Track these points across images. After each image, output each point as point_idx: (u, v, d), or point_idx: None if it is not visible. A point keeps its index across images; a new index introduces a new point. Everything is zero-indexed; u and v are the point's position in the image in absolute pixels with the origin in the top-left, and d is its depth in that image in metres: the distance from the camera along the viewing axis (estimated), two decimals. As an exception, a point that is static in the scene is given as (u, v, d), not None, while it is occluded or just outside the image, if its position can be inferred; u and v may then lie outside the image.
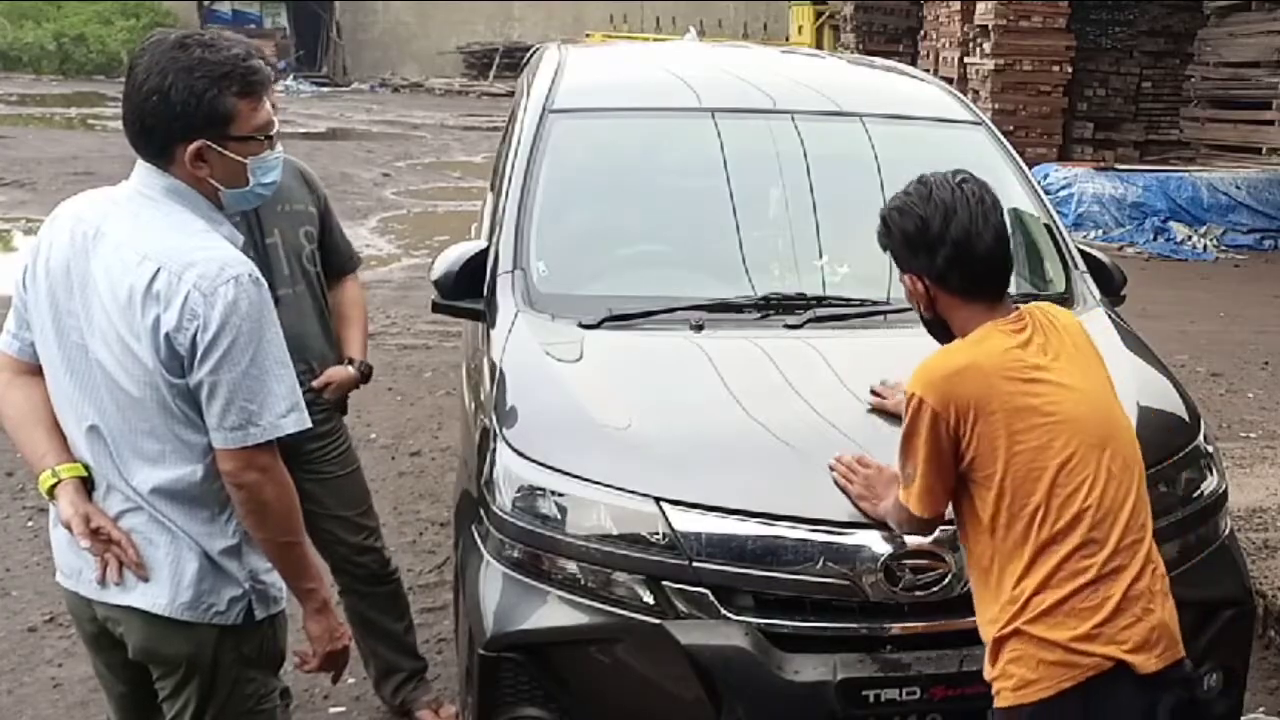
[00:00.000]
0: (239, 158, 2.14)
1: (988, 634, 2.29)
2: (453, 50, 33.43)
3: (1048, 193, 6.05)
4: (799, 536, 2.59)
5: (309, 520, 3.26)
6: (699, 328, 3.17)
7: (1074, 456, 2.22)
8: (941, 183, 2.36)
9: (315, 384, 3.11)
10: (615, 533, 2.64)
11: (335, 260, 3.25)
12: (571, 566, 2.66)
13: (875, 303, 3.36)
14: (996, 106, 14.49)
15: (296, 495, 2.24)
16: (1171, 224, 12.43)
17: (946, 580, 2.58)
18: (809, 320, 3.24)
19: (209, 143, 2.10)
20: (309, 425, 2.18)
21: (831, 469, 2.63)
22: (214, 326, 2.03)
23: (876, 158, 3.76)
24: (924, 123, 4.05)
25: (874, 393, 2.85)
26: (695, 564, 2.59)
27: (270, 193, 2.28)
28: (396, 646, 3.50)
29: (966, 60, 15.69)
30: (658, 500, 2.62)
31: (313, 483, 3.19)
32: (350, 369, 3.21)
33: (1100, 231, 12.32)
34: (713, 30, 26.80)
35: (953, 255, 2.30)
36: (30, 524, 4.84)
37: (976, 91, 14.92)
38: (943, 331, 2.40)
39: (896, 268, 2.42)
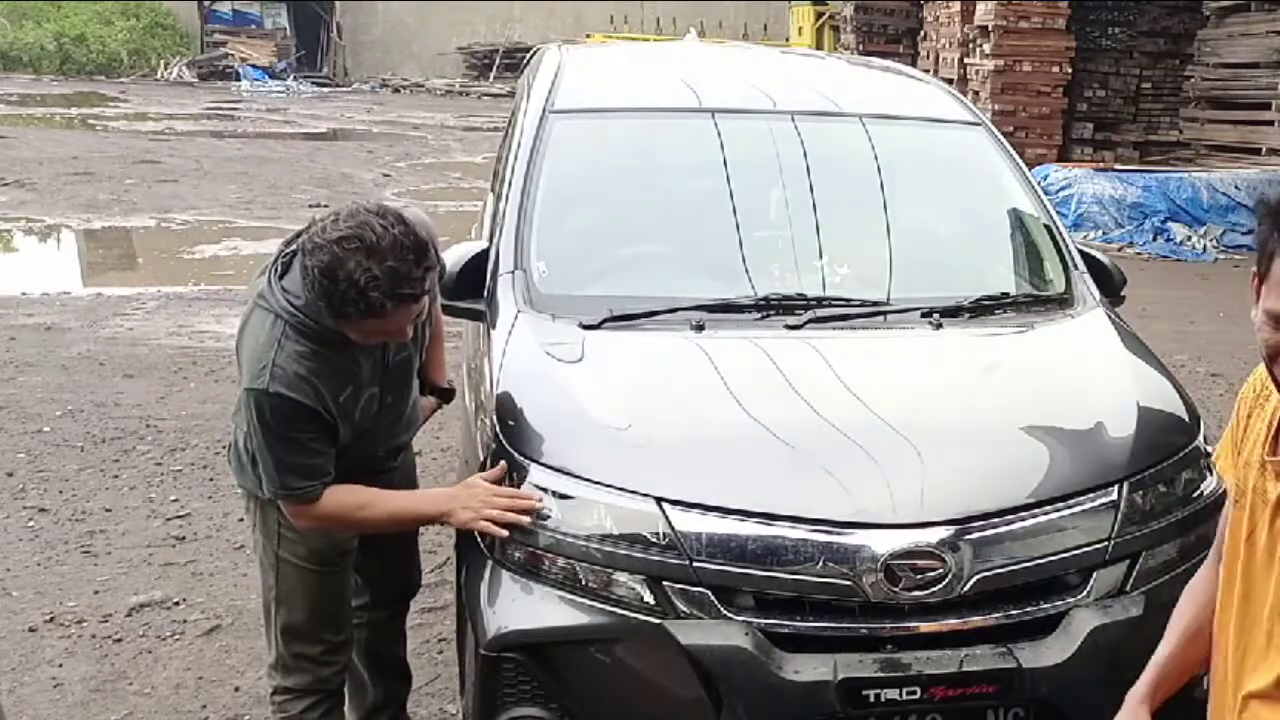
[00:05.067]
0: None
1: None
2: (453, 51, 33.47)
3: (1047, 193, 6.05)
4: (799, 536, 2.59)
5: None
6: (699, 328, 3.17)
7: None
8: None
9: None
10: (615, 533, 2.64)
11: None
12: (572, 566, 2.66)
13: (875, 303, 3.37)
14: (996, 107, 14.52)
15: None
16: (1171, 225, 12.44)
17: (947, 580, 2.58)
18: (809, 320, 3.24)
19: None
20: None
21: None
22: None
23: (876, 158, 3.78)
24: (924, 123, 4.07)
25: None
26: (695, 564, 2.59)
27: None
28: (401, 674, 3.35)
29: (966, 61, 15.72)
30: (658, 500, 2.62)
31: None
32: (432, 399, 3.22)
33: (1100, 232, 12.33)
34: (713, 31, 26.78)
35: None
36: (30, 524, 4.84)
37: (976, 92, 14.94)
38: None
39: None
